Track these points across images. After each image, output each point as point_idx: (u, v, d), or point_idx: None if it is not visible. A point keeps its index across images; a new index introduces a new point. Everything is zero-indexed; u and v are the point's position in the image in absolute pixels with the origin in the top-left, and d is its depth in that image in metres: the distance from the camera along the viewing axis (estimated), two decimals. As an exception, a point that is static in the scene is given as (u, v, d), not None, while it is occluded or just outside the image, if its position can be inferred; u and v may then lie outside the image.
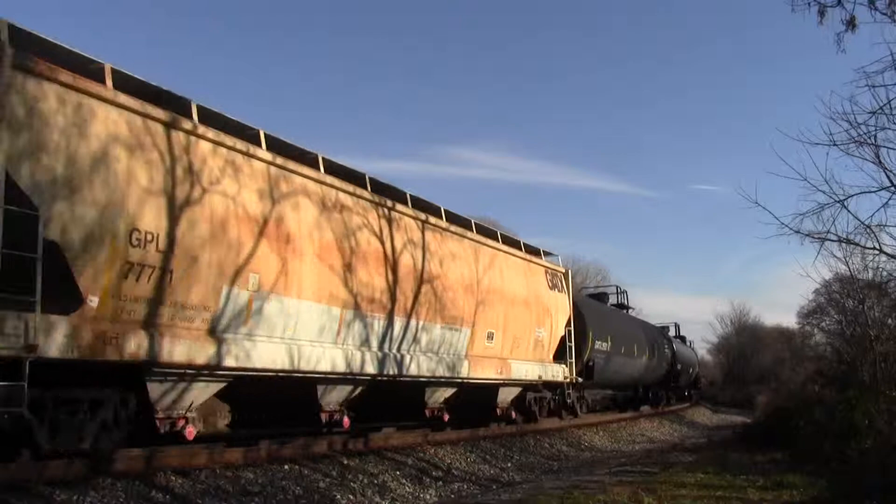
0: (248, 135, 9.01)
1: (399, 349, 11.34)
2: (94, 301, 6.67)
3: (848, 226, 8.82)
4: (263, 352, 8.62)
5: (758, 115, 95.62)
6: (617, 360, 22.20)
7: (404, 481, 9.72)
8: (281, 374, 9.03)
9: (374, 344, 10.73)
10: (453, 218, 13.61)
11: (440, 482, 10.17)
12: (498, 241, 15.17)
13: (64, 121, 6.45)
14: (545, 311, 16.56)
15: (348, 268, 10.05)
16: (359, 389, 10.86)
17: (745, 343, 63.86)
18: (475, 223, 14.44)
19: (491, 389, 14.76)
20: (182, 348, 7.53)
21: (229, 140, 8.42)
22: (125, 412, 7.49)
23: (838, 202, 8.27)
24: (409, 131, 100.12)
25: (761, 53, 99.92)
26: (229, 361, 8.09)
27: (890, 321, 16.58)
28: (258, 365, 8.54)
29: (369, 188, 11.12)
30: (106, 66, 7.23)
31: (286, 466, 8.88)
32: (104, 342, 6.70)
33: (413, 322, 11.60)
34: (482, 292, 13.66)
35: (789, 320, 58.43)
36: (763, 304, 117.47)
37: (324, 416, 10.27)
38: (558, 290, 17.64)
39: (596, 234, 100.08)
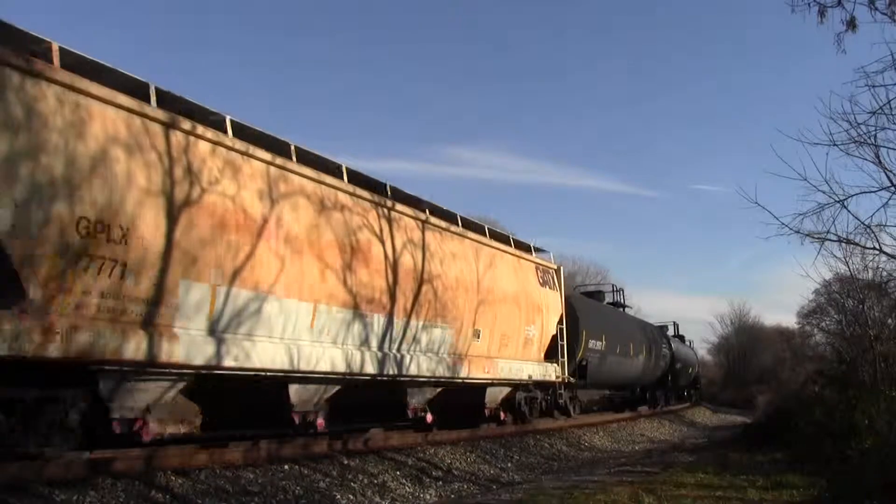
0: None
1: (379, 347, 10.96)
2: (37, 294, 6.34)
3: (848, 226, 8.80)
4: (227, 350, 8.20)
5: (758, 116, 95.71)
6: (612, 360, 21.87)
7: (404, 481, 9.72)
8: (246, 372, 8.61)
9: (350, 341, 10.32)
10: (435, 210, 13.20)
11: (440, 482, 10.17)
12: (486, 236, 14.80)
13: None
14: (535, 308, 16.21)
15: (324, 261, 9.69)
16: (333, 389, 10.36)
17: (745, 343, 63.86)
18: (461, 217, 14.02)
19: (478, 389, 14.42)
20: (138, 345, 7.13)
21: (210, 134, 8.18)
22: (77, 413, 7.04)
23: (838, 202, 8.26)
24: (409, 131, 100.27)
25: (762, 53, 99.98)
26: (190, 359, 7.71)
27: (890, 321, 16.56)
28: (224, 363, 8.13)
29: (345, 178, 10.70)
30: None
31: (286, 466, 8.89)
32: (49, 338, 6.30)
33: (394, 319, 11.23)
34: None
35: (789, 320, 58.43)
36: (763, 304, 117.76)
37: (296, 418, 9.78)
38: (549, 287, 17.23)
39: (596, 234, 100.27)
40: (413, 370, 11.71)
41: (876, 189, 8.28)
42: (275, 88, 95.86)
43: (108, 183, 6.95)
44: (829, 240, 8.82)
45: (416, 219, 12.30)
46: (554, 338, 17.20)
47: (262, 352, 8.73)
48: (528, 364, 15.83)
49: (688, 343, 41.08)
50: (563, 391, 18.06)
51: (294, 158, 9.75)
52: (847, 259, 14.79)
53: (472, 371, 13.52)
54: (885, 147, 8.02)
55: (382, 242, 11.17)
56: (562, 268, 18.66)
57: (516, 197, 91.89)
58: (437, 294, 12.36)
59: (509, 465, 12.67)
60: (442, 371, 12.55)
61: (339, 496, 8.43)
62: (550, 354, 17.15)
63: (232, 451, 8.76)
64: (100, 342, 6.78)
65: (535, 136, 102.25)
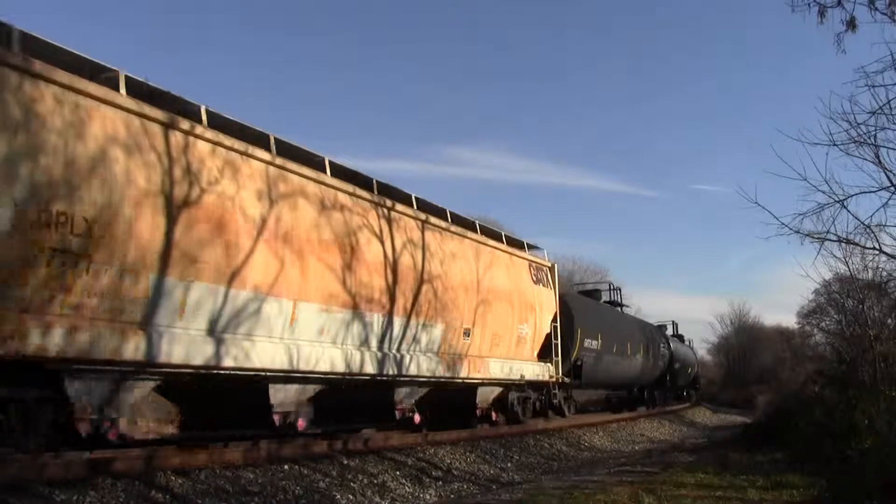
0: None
1: (364, 346, 10.69)
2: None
3: (848, 226, 8.79)
4: (200, 348, 7.91)
5: (758, 116, 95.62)
6: (609, 359, 21.60)
7: (404, 481, 9.72)
8: (221, 371, 8.33)
9: (329, 338, 9.99)
10: (425, 206, 12.86)
11: (440, 482, 10.17)
12: (477, 233, 14.54)
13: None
14: (528, 306, 15.92)
15: (297, 254, 9.41)
16: (314, 389, 10.10)
17: (745, 343, 63.87)
18: (450, 213, 13.63)
19: (469, 389, 14.17)
20: (105, 342, 6.85)
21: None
22: (41, 414, 6.78)
23: (838, 202, 8.25)
24: (409, 131, 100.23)
25: (762, 53, 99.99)
26: (162, 358, 7.41)
27: (890, 321, 16.56)
28: (195, 362, 7.86)
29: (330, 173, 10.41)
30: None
31: (286, 466, 8.88)
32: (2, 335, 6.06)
33: (380, 317, 10.95)
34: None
35: (789, 320, 58.39)
36: (763, 304, 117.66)
37: (277, 418, 9.50)
38: (543, 285, 16.94)
39: (596, 234, 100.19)
40: (400, 369, 11.45)
41: (876, 189, 8.28)
42: (275, 88, 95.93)
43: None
44: (829, 240, 8.82)
45: (410, 215, 11.99)
46: (548, 336, 16.91)
47: (241, 350, 8.46)
48: (520, 363, 15.53)
49: (687, 343, 40.96)
50: (557, 391, 17.72)
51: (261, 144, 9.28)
52: (847, 259, 14.79)
53: (463, 371, 13.28)
54: (884, 147, 8.03)
55: (381, 241, 11.03)
56: (556, 265, 18.36)
57: (516, 197, 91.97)
58: (424, 292, 12.04)
59: (509, 465, 12.67)
60: (431, 370, 12.28)
61: (338, 496, 8.43)
62: (544, 354, 16.83)
63: (232, 451, 8.76)
64: (68, 341, 6.53)
65: (535, 136, 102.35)
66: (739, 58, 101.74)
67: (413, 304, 11.82)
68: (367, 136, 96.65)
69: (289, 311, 9.31)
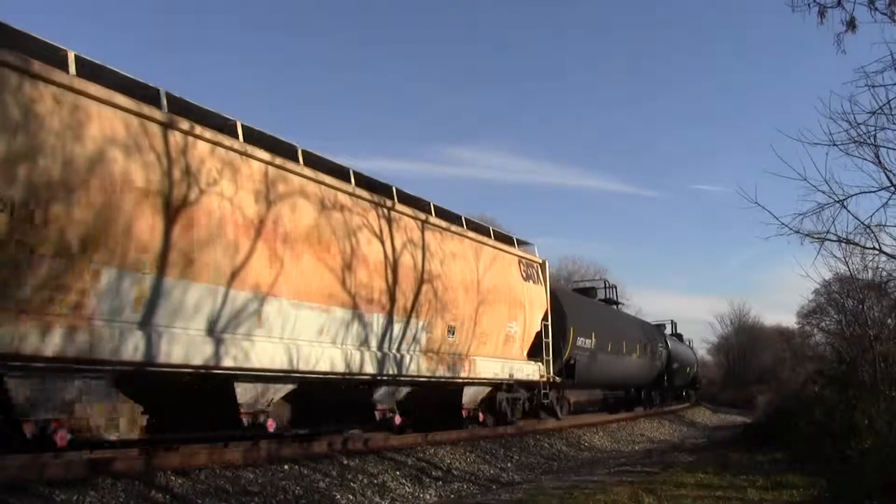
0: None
1: (344, 343, 10.20)
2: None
3: (848, 226, 8.79)
4: (159, 345, 7.48)
5: (758, 116, 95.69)
6: (603, 359, 21.03)
7: (404, 481, 9.72)
8: (183, 369, 7.92)
9: (305, 335, 9.50)
10: (407, 199, 12.37)
11: (440, 482, 10.18)
12: (462, 227, 13.97)
13: None
14: (518, 303, 15.36)
15: (268, 248, 8.96)
16: (286, 388, 9.61)
17: (744, 343, 63.89)
18: (434, 205, 13.13)
19: (455, 389, 13.66)
20: (54, 338, 6.39)
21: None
22: None
23: (838, 202, 8.26)
24: (409, 131, 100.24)
25: (762, 53, 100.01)
26: (117, 355, 7.00)
27: (890, 321, 16.57)
28: (158, 360, 7.47)
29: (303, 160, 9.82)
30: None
31: (286, 466, 8.88)
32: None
33: (359, 314, 10.45)
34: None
35: (789, 320, 58.42)
36: (763, 304, 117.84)
37: (245, 419, 8.96)
38: (533, 282, 16.44)
39: (596, 234, 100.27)
40: (381, 369, 10.99)
41: (876, 189, 8.29)
42: (275, 88, 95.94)
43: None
44: (829, 240, 8.83)
45: (381, 205, 11.42)
46: (538, 335, 16.42)
47: (203, 347, 7.99)
48: (509, 362, 15.06)
49: (686, 342, 40.77)
50: (549, 391, 17.14)
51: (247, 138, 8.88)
52: (847, 259, 14.79)
53: (447, 370, 12.78)
54: (884, 147, 8.03)
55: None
56: (547, 262, 17.85)
57: (516, 197, 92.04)
58: (406, 290, 11.58)
59: (509, 465, 12.68)
60: (413, 370, 11.79)
61: (338, 496, 8.43)
62: (535, 352, 16.28)
63: (232, 451, 8.76)
64: (11, 337, 6.12)
65: (535, 136, 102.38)
66: (739, 58, 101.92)
67: (392, 301, 11.25)
68: (367, 136, 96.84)
69: (256, 305, 8.74)
